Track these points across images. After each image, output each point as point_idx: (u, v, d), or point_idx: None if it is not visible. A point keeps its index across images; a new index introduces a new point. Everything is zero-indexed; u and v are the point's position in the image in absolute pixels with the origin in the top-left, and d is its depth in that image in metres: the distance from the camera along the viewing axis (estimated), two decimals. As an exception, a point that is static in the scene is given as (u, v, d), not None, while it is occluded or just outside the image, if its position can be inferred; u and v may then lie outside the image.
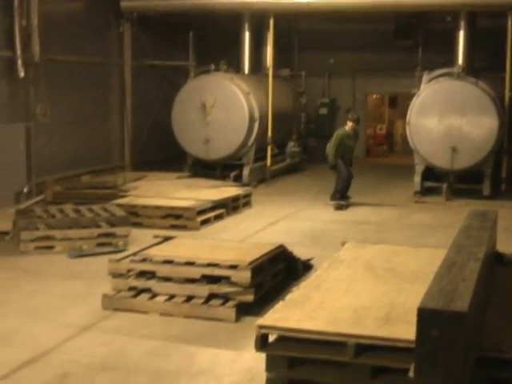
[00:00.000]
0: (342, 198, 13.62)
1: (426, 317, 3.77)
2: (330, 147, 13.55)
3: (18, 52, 13.28)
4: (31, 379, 5.66)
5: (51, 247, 9.82)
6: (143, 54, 17.56)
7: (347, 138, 13.77)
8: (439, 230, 11.47)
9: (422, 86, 15.16)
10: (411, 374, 3.91)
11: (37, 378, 5.66)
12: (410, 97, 15.49)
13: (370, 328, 4.93)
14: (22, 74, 13.34)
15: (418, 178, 15.05)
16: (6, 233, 10.58)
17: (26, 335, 6.65)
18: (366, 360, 4.74)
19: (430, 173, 15.20)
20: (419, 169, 15.10)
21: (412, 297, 5.39)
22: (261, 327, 4.96)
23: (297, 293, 5.80)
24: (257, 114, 16.43)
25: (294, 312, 5.23)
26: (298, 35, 21.46)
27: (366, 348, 4.79)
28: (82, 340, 6.56)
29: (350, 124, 13.85)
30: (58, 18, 14.66)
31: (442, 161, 14.76)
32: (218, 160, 16.33)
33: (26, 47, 13.46)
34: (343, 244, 7.77)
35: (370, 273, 6.41)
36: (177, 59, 18.34)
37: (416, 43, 19.93)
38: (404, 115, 16.13)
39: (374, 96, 25.45)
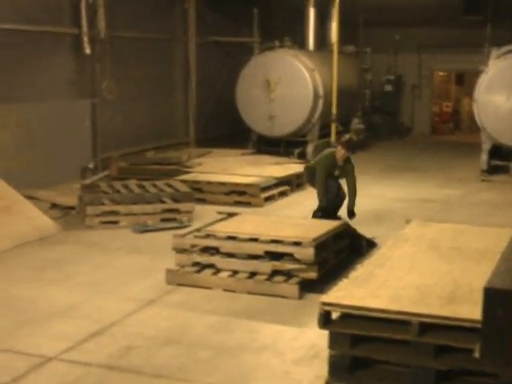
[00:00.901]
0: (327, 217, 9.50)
1: (493, 297, 3.72)
2: (317, 183, 9.95)
3: (84, 29, 13.42)
4: (96, 351, 5.76)
5: (116, 222, 9.95)
6: (207, 31, 17.57)
7: (332, 168, 9.88)
8: (506, 209, 11.29)
9: (490, 63, 14.85)
10: (476, 354, 3.87)
11: (102, 350, 5.76)
12: (478, 74, 15.20)
13: (434, 307, 4.87)
14: (87, 51, 13.49)
15: (484, 157, 14.79)
16: (72, 207, 10.76)
17: (91, 308, 6.75)
18: (429, 339, 4.69)
19: (497, 151, 14.92)
20: (486, 147, 14.83)
21: (477, 276, 5.32)
22: (324, 304, 4.94)
23: (361, 270, 5.77)
24: (321, 91, 16.33)
25: (358, 290, 5.21)
26: (363, 11, 21.19)
27: (430, 327, 4.74)
28: (146, 314, 6.64)
29: (340, 151, 9.82)
30: (123, -6, 14.77)
31: (509, 139, 14.48)
32: (282, 137, 16.31)
33: (92, 24, 13.59)
34: (408, 222, 7.69)
35: (434, 251, 6.34)
36: (241, 35, 18.31)
37: (485, 18, 19.50)
38: (471, 93, 15.85)
39: (441, 73, 25.07)
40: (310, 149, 16.03)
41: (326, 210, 9.78)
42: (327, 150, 10.24)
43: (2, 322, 6.38)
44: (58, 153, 12.80)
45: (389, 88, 22.20)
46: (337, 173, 9.92)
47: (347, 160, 9.93)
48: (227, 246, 7.43)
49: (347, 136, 10.63)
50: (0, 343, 5.90)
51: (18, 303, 6.89)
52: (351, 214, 9.80)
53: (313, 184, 10.11)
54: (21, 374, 5.33)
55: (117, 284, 7.50)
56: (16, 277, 7.72)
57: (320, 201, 9.84)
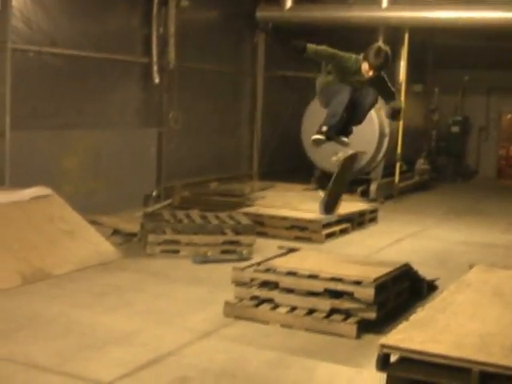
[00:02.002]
0: (328, 133, 8.05)
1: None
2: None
3: (155, 59, 13.63)
4: (152, 380, 5.77)
5: (177, 251, 10.01)
6: (275, 65, 17.69)
7: (348, 72, 7.77)
8: None
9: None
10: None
11: (157, 379, 5.77)
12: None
13: (497, 356, 4.78)
14: (156, 81, 13.69)
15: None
16: (134, 234, 10.86)
17: (149, 337, 6.78)
18: (490, 388, 4.61)
19: None
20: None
21: (542, 327, 5.22)
22: (383, 346, 4.89)
23: (422, 314, 5.70)
24: (387, 130, 16.27)
25: (418, 333, 5.14)
26: (432, 50, 21.15)
27: (491, 376, 4.65)
28: (202, 345, 6.64)
29: (364, 67, 7.59)
30: (194, 26, 14.95)
31: None
32: (345, 174, 16.26)
33: (162, 54, 13.80)
34: (471, 267, 7.59)
35: (498, 299, 6.23)
36: (309, 71, 18.36)
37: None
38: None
39: (509, 116, 24.79)
40: (373, 187, 15.95)
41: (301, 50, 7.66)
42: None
43: (60, 345, 6.44)
44: (123, 180, 12.97)
45: (455, 129, 22.01)
46: (355, 82, 7.75)
47: (380, 72, 7.65)
48: (287, 282, 7.41)
49: (375, 44, 7.73)
50: (58, 366, 5.96)
51: (77, 327, 6.96)
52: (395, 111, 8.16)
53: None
54: (77, 399, 5.37)
55: (175, 314, 7.53)
56: (77, 301, 7.80)
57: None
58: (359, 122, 8.25)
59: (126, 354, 6.32)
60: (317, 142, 8.16)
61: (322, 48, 7.71)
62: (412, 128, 17.53)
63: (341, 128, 8.15)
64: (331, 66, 7.88)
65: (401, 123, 16.10)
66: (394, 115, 8.14)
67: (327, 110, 7.99)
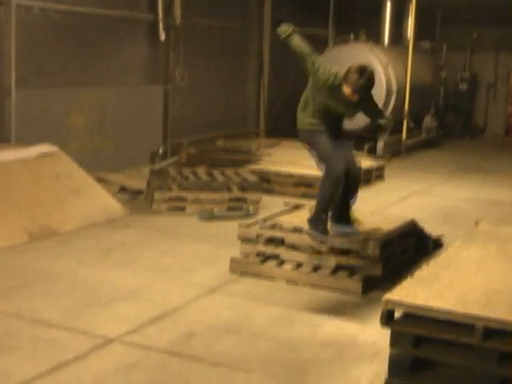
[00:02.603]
0: (323, 223, 6.80)
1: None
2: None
3: (160, 15, 13.53)
4: (157, 336, 5.81)
5: (183, 208, 10.02)
6: (282, 21, 17.47)
7: (333, 94, 6.64)
8: None
9: None
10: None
11: (163, 335, 5.80)
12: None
13: (501, 312, 4.78)
14: (162, 38, 13.61)
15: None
16: (141, 192, 10.87)
17: (155, 293, 6.82)
18: (494, 344, 4.60)
19: None
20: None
21: (547, 283, 5.21)
22: (388, 302, 4.89)
23: (426, 270, 5.69)
24: (394, 87, 16.17)
25: (423, 289, 5.14)
26: (440, 7, 20.91)
27: (495, 332, 4.65)
28: (208, 301, 6.67)
29: (346, 89, 6.47)
30: (200, -18, 14.83)
31: None
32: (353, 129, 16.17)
33: (168, 11, 13.69)
34: (477, 223, 7.57)
35: (503, 255, 6.22)
36: (316, 27, 18.23)
37: None
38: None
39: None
40: (380, 144, 15.88)
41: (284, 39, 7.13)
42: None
43: (67, 301, 6.48)
44: (129, 137, 12.95)
45: (463, 86, 21.85)
46: (340, 108, 6.71)
47: (363, 94, 6.52)
48: (292, 238, 7.41)
49: (355, 64, 6.54)
50: (65, 322, 6.00)
51: (83, 284, 6.99)
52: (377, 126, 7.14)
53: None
54: (83, 353, 5.41)
55: (181, 270, 7.55)
56: (83, 258, 7.83)
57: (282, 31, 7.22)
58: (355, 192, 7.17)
59: (132, 309, 6.36)
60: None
61: (302, 45, 6.86)
62: (419, 85, 17.41)
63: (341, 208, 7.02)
64: (310, 81, 6.91)
65: (408, 80, 16.00)
66: (377, 132, 7.90)
67: (322, 189, 6.73)
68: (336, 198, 6.71)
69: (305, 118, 7.07)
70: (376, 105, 7.00)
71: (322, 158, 6.80)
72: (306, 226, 7.18)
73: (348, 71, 6.39)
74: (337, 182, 6.58)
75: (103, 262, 7.74)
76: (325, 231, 6.78)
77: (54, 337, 5.72)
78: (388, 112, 16.04)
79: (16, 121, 10.76)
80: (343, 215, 7.04)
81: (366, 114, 6.96)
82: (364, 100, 6.59)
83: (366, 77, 6.37)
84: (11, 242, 8.14)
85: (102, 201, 9.77)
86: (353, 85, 6.34)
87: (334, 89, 6.56)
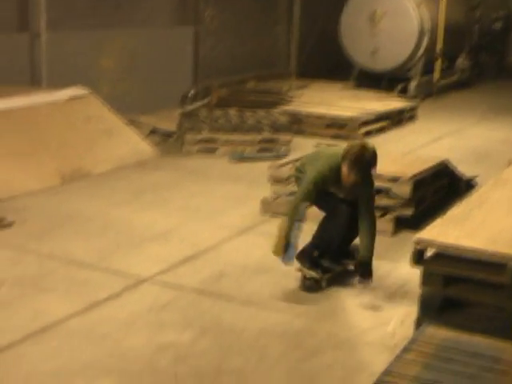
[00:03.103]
0: (316, 262, 5.87)
1: None
2: (294, 199, 5.81)
3: (191, -45, 13.39)
4: (189, 275, 5.86)
5: (214, 150, 10.02)
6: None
7: (334, 184, 5.78)
8: None
9: None
10: None
11: (194, 275, 5.86)
12: None
13: (533, 251, 4.76)
14: (193, -23, 13.47)
15: None
16: (171, 134, 10.87)
17: (187, 233, 6.87)
18: (525, 283, 4.60)
19: None
20: None
21: None
22: (418, 241, 4.88)
23: (457, 210, 5.66)
24: (427, 26, 15.90)
25: (454, 229, 5.12)
26: None
27: (527, 271, 4.64)
28: (239, 242, 6.71)
29: (344, 172, 5.56)
30: None
31: None
32: (384, 71, 16.00)
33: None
34: (509, 164, 7.50)
35: (536, 195, 6.17)
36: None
37: None
38: None
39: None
40: (412, 84, 15.71)
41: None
42: (336, 150, 5.80)
43: (100, 242, 6.55)
44: (160, 79, 12.90)
45: (498, 25, 21.44)
46: (342, 195, 5.90)
47: (360, 184, 5.60)
48: (323, 179, 7.39)
49: (356, 147, 5.57)
50: (98, 263, 6.07)
51: (116, 225, 7.06)
52: (364, 269, 5.69)
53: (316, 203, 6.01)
54: (116, 293, 5.48)
55: (212, 211, 7.59)
56: (115, 199, 7.89)
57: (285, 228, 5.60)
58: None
59: (164, 250, 6.42)
60: (308, 287, 5.77)
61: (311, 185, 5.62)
62: (453, 24, 17.11)
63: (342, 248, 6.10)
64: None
65: (441, 19, 15.73)
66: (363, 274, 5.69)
67: (319, 232, 5.90)
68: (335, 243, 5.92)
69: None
70: (373, 197, 5.92)
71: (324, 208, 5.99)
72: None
73: (349, 150, 5.51)
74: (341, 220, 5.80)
75: (134, 203, 7.79)
76: (317, 267, 5.83)
77: (87, 277, 5.81)
78: (420, 52, 15.83)
79: (47, 63, 10.75)
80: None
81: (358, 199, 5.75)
82: (362, 185, 5.61)
83: (366, 157, 5.51)
84: (44, 184, 8.21)
85: (132, 143, 9.80)
86: (353, 167, 5.45)
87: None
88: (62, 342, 4.77)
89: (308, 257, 5.83)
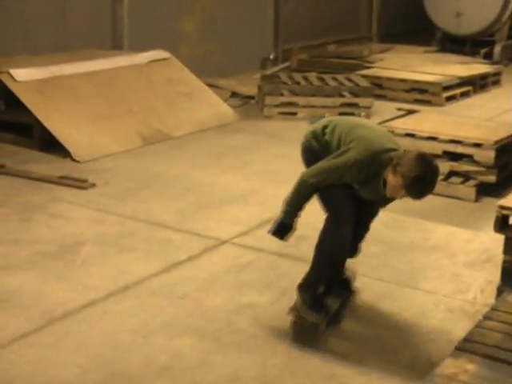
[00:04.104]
0: (320, 302, 4.66)
1: None
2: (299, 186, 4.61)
3: None
4: (268, 238, 5.83)
5: (294, 113, 10.01)
6: None
7: (362, 182, 4.50)
8: None
9: None
10: None
11: (273, 238, 5.87)
12: None
13: None
14: None
15: None
16: (251, 97, 10.90)
17: (266, 196, 6.90)
18: None
19: None
20: None
21: None
22: (502, 208, 4.81)
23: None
24: (514, -12, 15.51)
25: (539, 196, 5.04)
26: None
27: None
28: (319, 205, 6.70)
29: (391, 181, 4.27)
30: None
31: None
32: (468, 35, 15.68)
33: None
34: None
35: None
36: None
37: None
38: None
39: None
40: (497, 49, 15.36)
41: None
42: (389, 137, 4.64)
43: (180, 204, 6.64)
44: (240, 42, 12.91)
45: None
46: (365, 195, 4.59)
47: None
48: (405, 143, 7.25)
49: (418, 162, 4.21)
50: (179, 224, 6.16)
51: (197, 187, 7.13)
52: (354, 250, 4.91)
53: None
54: (196, 254, 5.56)
55: (292, 174, 7.49)
56: (196, 161, 7.96)
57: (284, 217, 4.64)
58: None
59: (243, 212, 6.47)
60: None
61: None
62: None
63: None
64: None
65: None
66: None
67: (321, 254, 4.63)
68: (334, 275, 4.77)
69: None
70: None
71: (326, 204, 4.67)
72: (419, 132, 7.10)
73: (403, 159, 4.22)
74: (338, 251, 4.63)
75: (215, 165, 7.85)
76: (320, 308, 4.63)
77: (168, 238, 5.90)
78: (506, 15, 15.44)
79: (128, 27, 10.86)
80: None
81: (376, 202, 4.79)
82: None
83: (429, 179, 4.26)
84: (125, 147, 8.33)
85: (213, 106, 9.85)
86: (407, 179, 4.16)
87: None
88: (142, 300, 4.87)
89: (311, 295, 4.59)
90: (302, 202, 4.58)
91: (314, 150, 4.70)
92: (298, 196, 4.57)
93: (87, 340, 4.36)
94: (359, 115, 9.80)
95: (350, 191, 4.54)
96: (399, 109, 8.71)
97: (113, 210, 6.45)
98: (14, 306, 4.73)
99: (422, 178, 4.18)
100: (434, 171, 4.28)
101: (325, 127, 4.67)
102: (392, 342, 4.45)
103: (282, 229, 4.66)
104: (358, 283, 5.10)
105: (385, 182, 4.33)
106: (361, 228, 4.86)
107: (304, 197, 4.56)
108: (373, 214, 4.95)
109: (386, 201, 4.65)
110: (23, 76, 8.30)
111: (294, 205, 4.59)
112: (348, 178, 4.43)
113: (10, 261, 5.39)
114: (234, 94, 11.03)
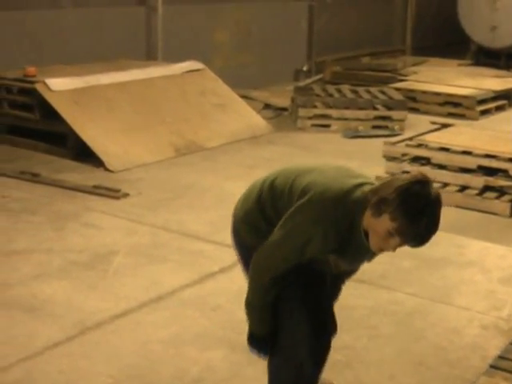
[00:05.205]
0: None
1: None
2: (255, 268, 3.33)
3: None
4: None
5: (327, 126, 10.00)
6: None
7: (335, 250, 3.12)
8: None
9: None
10: None
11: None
12: None
13: None
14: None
15: None
16: (285, 109, 10.90)
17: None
18: None
19: None
20: None
21: None
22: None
23: None
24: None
25: None
26: None
27: None
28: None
29: (376, 226, 2.96)
30: None
31: None
32: (503, 49, 15.55)
33: None
34: None
35: None
36: None
37: None
38: None
39: None
40: (533, 63, 15.24)
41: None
42: (347, 184, 3.13)
43: (214, 215, 6.64)
44: (273, 54, 12.94)
45: None
46: (348, 263, 3.36)
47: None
48: (439, 158, 7.29)
49: (410, 185, 2.93)
50: (211, 235, 6.16)
51: (229, 199, 7.05)
52: None
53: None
54: (228, 266, 5.53)
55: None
56: (229, 173, 7.97)
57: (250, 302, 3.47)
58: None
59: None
60: None
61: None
62: None
63: None
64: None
65: None
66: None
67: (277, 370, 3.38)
68: None
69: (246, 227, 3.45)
70: None
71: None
72: (453, 146, 7.05)
73: (386, 188, 2.97)
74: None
75: (248, 177, 7.72)
76: None
77: (201, 249, 5.90)
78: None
79: (162, 37, 10.93)
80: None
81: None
82: None
83: (434, 205, 3.00)
84: (158, 157, 8.37)
85: (246, 117, 9.86)
86: (398, 220, 2.91)
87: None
88: (175, 311, 4.88)
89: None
90: (262, 304, 3.35)
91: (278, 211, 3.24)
92: (253, 301, 3.38)
93: (119, 350, 4.37)
94: (393, 129, 9.77)
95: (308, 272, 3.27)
96: (433, 122, 8.70)
97: (145, 220, 6.48)
98: (47, 315, 4.76)
99: (421, 214, 2.90)
100: (437, 199, 2.99)
101: (259, 194, 3.32)
102: (426, 359, 4.41)
103: (258, 342, 3.47)
104: (390, 297, 5.07)
105: (366, 233, 3.03)
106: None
107: (261, 299, 3.34)
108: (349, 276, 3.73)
109: (371, 257, 3.33)
110: (58, 86, 8.37)
111: (254, 311, 3.42)
112: (313, 249, 3.06)
113: (43, 269, 5.43)
114: (266, 106, 11.05)
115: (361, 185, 3.10)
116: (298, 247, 3.09)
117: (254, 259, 3.27)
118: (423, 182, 2.96)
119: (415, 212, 2.90)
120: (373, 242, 3.02)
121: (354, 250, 3.13)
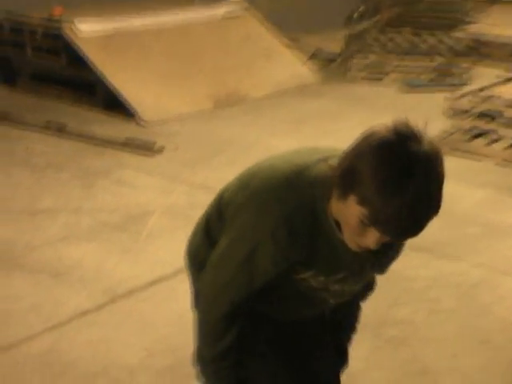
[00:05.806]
0: None
1: None
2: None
3: None
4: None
5: (382, 76, 9.88)
6: None
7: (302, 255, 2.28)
8: None
9: None
10: None
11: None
12: None
13: None
14: None
15: None
16: (335, 56, 10.77)
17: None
18: None
19: None
20: None
21: None
22: None
23: None
24: None
25: None
26: None
27: None
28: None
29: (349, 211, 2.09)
30: None
31: None
32: None
33: None
34: None
35: None
36: None
37: None
38: None
39: None
40: None
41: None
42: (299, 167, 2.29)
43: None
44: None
45: None
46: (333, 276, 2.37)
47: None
48: (509, 113, 7.19)
49: (387, 144, 2.07)
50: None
51: (273, 155, 7.10)
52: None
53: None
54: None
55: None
56: (273, 129, 7.92)
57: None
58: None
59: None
60: None
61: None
62: None
63: None
64: None
65: None
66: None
67: None
68: None
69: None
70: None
71: None
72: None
73: (358, 155, 2.20)
74: None
75: (294, 133, 7.79)
76: None
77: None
78: None
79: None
80: None
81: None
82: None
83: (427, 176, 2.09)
84: (196, 109, 8.36)
85: (292, 66, 9.79)
86: (374, 202, 2.04)
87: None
88: (214, 279, 4.88)
89: None
90: (215, 355, 2.51)
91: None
92: (203, 352, 2.59)
93: (153, 320, 4.40)
94: (457, 80, 9.63)
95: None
96: (499, 76, 8.49)
97: (182, 178, 6.49)
98: (75, 281, 4.80)
99: (401, 187, 2.02)
100: (430, 161, 2.09)
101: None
102: (492, 336, 4.38)
103: None
104: (454, 267, 5.05)
105: (338, 225, 2.22)
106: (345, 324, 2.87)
107: (212, 347, 2.53)
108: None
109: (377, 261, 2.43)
110: (87, 29, 8.38)
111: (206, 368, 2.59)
112: (265, 262, 2.29)
113: (71, 231, 5.47)
114: (316, 53, 10.95)
115: (324, 159, 2.30)
116: (242, 261, 2.30)
117: (200, 289, 2.56)
118: (406, 136, 2.07)
119: (392, 185, 2.00)
120: (346, 237, 2.18)
121: (332, 256, 2.29)
